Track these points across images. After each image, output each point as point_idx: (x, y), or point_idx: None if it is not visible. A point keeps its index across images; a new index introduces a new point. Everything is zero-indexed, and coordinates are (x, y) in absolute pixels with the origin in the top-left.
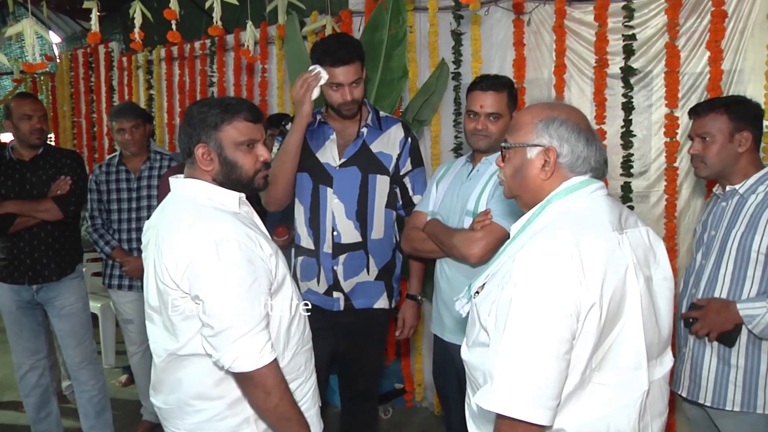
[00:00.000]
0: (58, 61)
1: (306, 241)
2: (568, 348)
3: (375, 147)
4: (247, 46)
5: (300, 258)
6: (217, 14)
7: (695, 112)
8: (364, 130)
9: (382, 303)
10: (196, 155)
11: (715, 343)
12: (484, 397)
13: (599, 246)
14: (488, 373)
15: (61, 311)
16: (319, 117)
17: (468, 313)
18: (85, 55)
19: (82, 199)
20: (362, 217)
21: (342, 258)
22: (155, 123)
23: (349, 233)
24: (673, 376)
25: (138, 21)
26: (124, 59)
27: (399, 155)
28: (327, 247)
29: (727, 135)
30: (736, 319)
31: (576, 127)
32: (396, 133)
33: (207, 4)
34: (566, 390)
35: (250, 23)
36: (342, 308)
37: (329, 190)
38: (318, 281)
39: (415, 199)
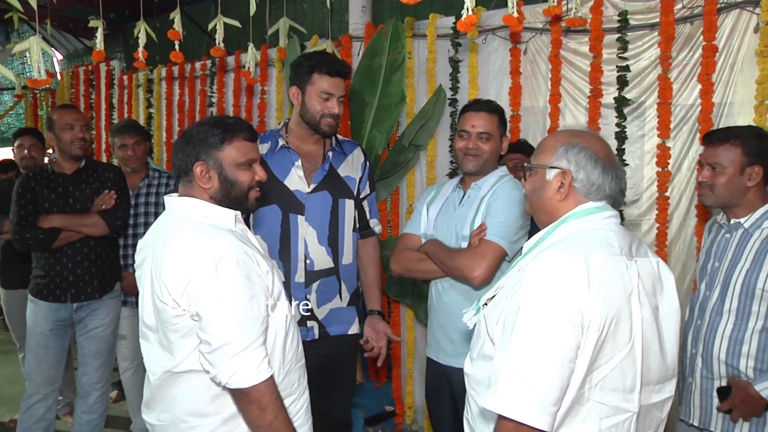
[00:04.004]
0: (59, 77)
1: None
2: (572, 356)
3: (342, 171)
4: (248, 67)
5: None
6: (219, 36)
7: (709, 140)
8: (330, 153)
9: (355, 328)
10: (195, 173)
11: (723, 374)
12: (489, 399)
13: (607, 265)
14: (494, 375)
15: (91, 331)
16: (281, 141)
17: (474, 326)
18: (87, 72)
19: (127, 214)
20: (333, 243)
21: (315, 285)
22: (153, 141)
23: (322, 260)
24: (682, 406)
25: (142, 40)
26: (125, 77)
27: (361, 178)
28: (299, 277)
29: (738, 168)
30: (763, 402)
31: (594, 156)
32: (358, 156)
33: (210, 26)
34: (565, 404)
35: (251, 45)
36: (317, 336)
37: (300, 218)
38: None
39: (371, 222)
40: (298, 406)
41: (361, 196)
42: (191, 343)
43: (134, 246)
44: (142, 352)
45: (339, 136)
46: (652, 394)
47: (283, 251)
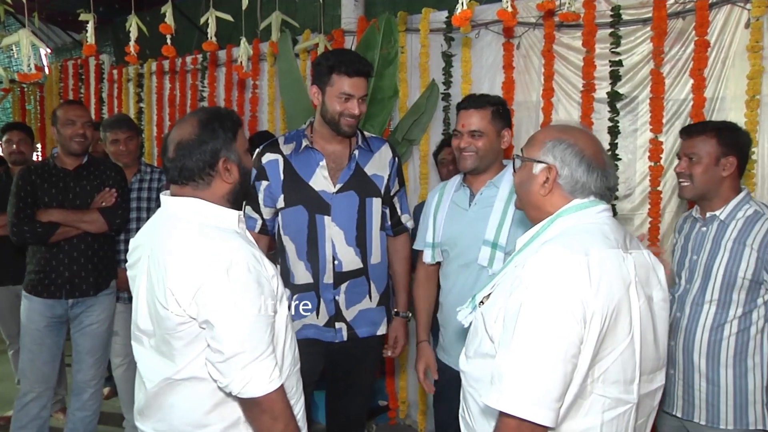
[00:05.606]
0: (47, 72)
1: (302, 277)
2: (575, 352)
3: (369, 169)
4: (240, 62)
5: (294, 296)
6: (211, 30)
7: (687, 133)
8: (356, 152)
9: (383, 329)
10: (219, 170)
11: (703, 366)
12: (491, 396)
13: (606, 258)
14: (496, 373)
15: (86, 328)
16: (305, 142)
17: (470, 324)
18: (75, 66)
19: (126, 212)
20: (362, 243)
21: (343, 287)
22: (144, 136)
23: (350, 260)
24: (665, 396)
25: (133, 34)
26: (115, 72)
27: (389, 176)
28: (327, 278)
29: (713, 158)
30: None
31: (580, 153)
32: (385, 153)
33: (201, 20)
34: (568, 399)
35: (244, 40)
36: (345, 338)
37: (327, 219)
38: (317, 314)
39: (403, 218)
40: (296, 410)
41: (391, 194)
42: (195, 350)
43: (126, 242)
44: (134, 356)
45: (366, 133)
46: (646, 384)
47: (310, 252)
